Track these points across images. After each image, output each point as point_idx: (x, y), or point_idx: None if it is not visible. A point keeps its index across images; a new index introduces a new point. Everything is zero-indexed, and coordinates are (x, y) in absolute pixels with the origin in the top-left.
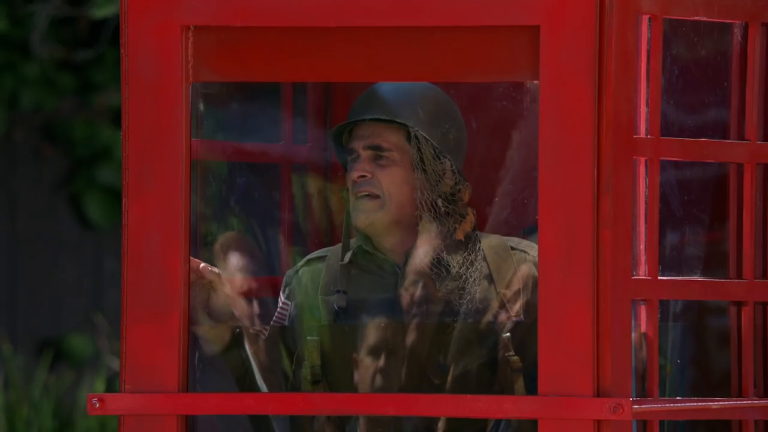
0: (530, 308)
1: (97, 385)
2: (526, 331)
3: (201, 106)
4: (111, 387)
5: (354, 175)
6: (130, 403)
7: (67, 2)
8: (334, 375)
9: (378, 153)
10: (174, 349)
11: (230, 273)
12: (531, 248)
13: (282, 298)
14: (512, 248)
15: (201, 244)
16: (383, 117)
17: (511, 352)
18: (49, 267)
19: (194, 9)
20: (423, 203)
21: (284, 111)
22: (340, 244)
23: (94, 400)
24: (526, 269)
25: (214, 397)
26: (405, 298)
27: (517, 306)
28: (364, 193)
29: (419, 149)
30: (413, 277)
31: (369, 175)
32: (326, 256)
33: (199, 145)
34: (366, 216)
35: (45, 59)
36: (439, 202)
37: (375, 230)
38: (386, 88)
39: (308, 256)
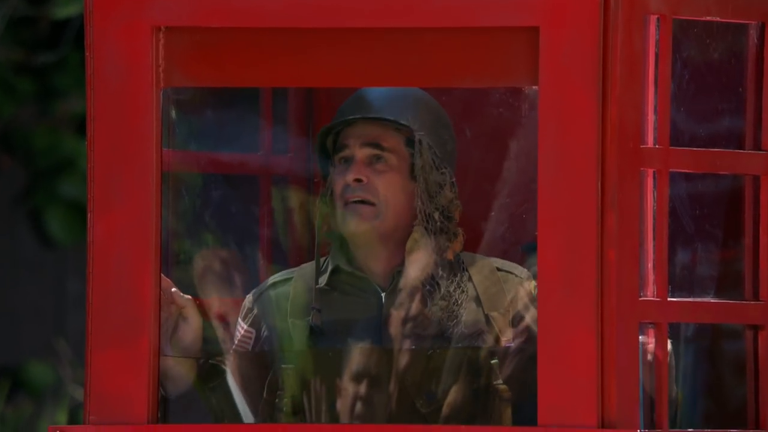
0: (519, 333)
1: (59, 417)
2: (515, 358)
3: (173, 114)
4: (74, 419)
5: (349, 177)
6: None
7: (26, 1)
8: (313, 404)
9: (376, 153)
10: (143, 378)
11: (208, 296)
12: (515, 269)
13: (243, 325)
14: (498, 269)
15: (173, 263)
16: (387, 117)
17: (499, 381)
18: (6, 288)
19: (166, 8)
20: (422, 213)
21: (263, 119)
22: (306, 265)
23: None
24: (514, 291)
25: (186, 429)
26: (391, 321)
27: (507, 330)
28: (357, 199)
29: (421, 155)
30: (400, 299)
31: (365, 180)
32: (291, 278)
33: (170, 156)
34: (359, 223)
35: (3, 62)
36: (436, 215)
37: (367, 240)
38: (380, 89)
39: (271, 279)
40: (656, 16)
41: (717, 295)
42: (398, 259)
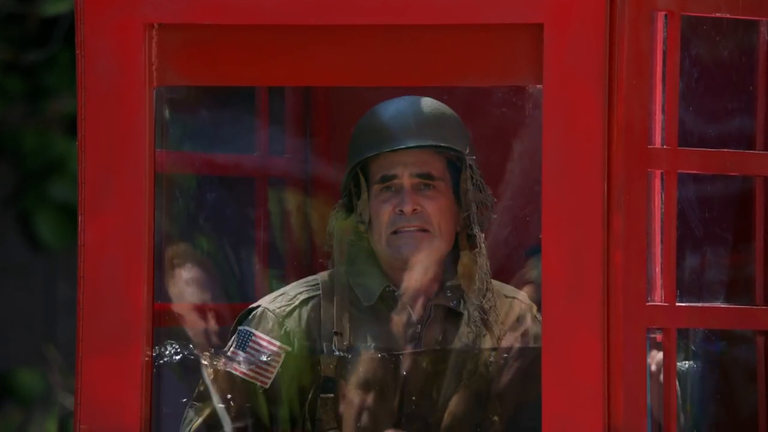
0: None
1: (49, 426)
2: (514, 368)
3: (166, 113)
4: (64, 428)
5: (407, 208)
6: None
7: None
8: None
9: (426, 182)
10: (135, 385)
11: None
12: (517, 293)
13: (273, 341)
14: (505, 296)
15: (166, 267)
16: (439, 143)
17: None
18: None
19: (159, 5)
20: (476, 237)
21: (259, 119)
22: (323, 276)
23: None
24: (517, 310)
25: None
26: (426, 337)
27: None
28: (413, 229)
29: (472, 180)
30: (428, 312)
31: (419, 209)
32: (318, 294)
33: (164, 157)
34: (416, 251)
35: None
36: (483, 238)
37: (424, 265)
38: (418, 106)
39: (299, 295)
40: (664, 13)
41: (727, 300)
42: (438, 280)
